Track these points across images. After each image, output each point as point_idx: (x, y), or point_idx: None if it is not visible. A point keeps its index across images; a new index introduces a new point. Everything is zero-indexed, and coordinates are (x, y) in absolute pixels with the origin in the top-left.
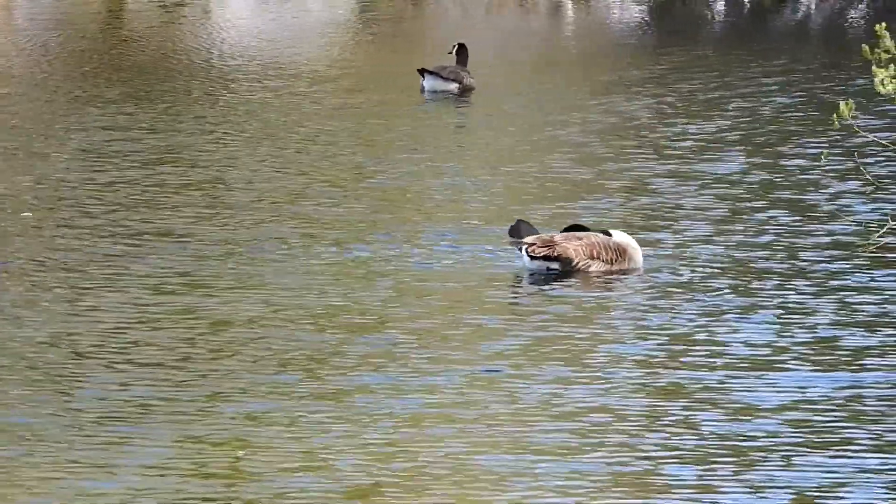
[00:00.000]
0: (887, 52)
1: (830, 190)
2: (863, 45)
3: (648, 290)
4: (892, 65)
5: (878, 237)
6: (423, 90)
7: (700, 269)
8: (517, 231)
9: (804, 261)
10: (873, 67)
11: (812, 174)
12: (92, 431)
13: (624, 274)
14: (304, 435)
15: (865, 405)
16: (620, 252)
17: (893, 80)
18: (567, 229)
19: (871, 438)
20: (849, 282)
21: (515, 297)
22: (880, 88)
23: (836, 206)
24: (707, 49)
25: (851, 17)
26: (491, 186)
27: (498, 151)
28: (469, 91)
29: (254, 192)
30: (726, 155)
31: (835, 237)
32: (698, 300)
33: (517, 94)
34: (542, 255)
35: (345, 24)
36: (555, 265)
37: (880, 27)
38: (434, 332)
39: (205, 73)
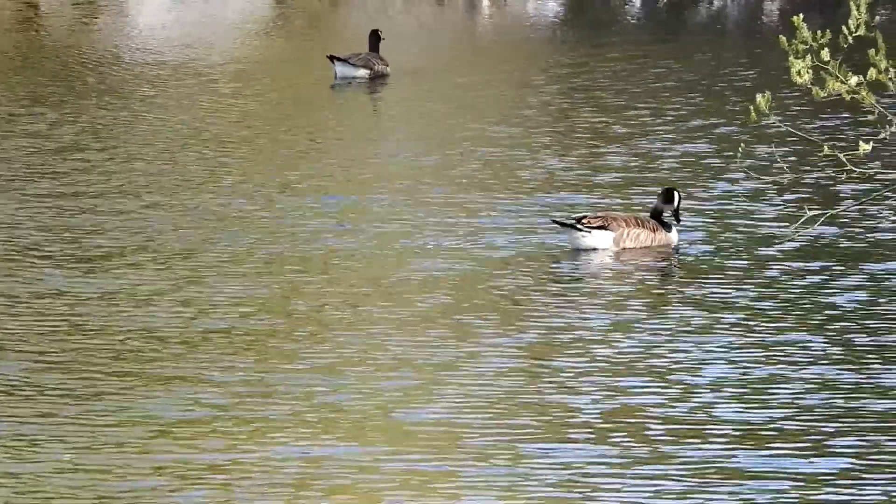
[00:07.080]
0: (804, 42)
1: (748, 182)
2: (780, 36)
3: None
4: (808, 55)
5: (796, 228)
6: (335, 77)
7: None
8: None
9: (722, 254)
10: (790, 58)
11: (729, 166)
12: None
13: (664, 247)
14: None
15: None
16: (657, 226)
17: (809, 71)
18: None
19: None
20: (773, 273)
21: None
22: (797, 79)
23: (754, 198)
24: (623, 43)
25: (767, 11)
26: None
27: (396, 137)
28: (381, 77)
29: (170, 183)
30: (641, 147)
31: (752, 229)
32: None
33: (428, 82)
34: (597, 224)
35: (262, 18)
36: (607, 235)
37: (797, 18)
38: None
39: (117, 72)
